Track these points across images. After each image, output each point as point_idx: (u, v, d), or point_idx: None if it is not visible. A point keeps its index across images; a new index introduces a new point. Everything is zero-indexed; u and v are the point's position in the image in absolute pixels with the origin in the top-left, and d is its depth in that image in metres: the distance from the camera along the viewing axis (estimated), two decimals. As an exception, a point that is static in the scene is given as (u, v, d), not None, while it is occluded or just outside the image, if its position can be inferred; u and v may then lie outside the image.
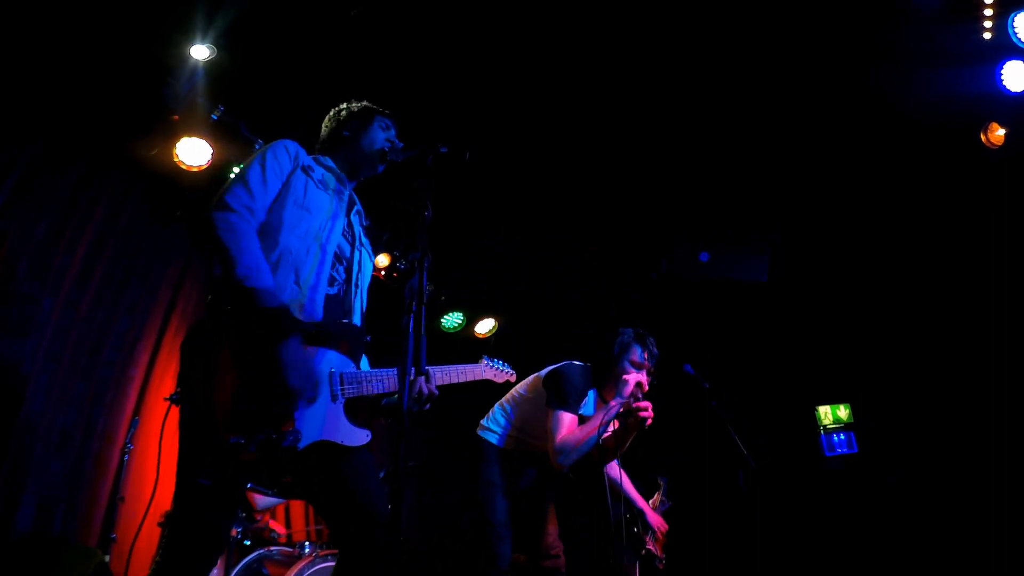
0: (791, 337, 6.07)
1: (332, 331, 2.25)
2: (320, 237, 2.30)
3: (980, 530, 4.91)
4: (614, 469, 4.07)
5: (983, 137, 4.68)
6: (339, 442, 2.17)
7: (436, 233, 2.26)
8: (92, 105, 4.39)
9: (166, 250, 4.87)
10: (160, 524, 3.74)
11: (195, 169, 4.43)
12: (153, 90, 4.38)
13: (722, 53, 4.52)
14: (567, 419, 3.32)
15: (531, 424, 3.56)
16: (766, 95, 4.75)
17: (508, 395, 3.73)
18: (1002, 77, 4.35)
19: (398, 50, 4.35)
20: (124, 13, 4.07)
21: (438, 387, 2.34)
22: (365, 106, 2.67)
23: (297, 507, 5.22)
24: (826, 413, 5.77)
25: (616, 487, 3.98)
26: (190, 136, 4.40)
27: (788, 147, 5.11)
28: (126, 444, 4.00)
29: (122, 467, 3.99)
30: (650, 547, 4.02)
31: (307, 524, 5.11)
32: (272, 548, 3.74)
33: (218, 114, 4.45)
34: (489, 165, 4.54)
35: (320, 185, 2.38)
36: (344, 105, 2.69)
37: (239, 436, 1.96)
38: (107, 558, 3.75)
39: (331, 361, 2.23)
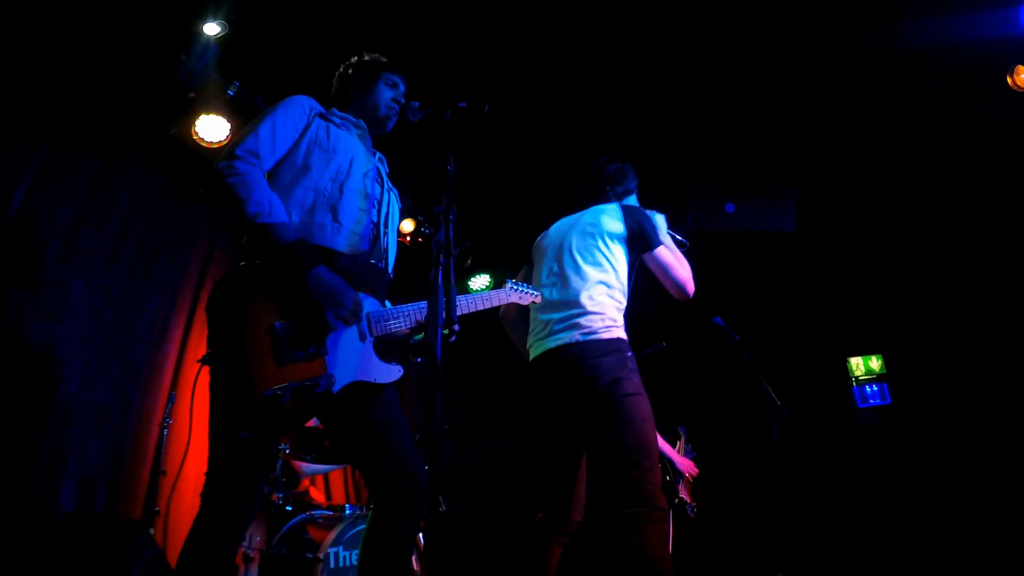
0: (821, 288, 6.00)
1: (356, 271, 2.26)
2: (352, 172, 2.31)
3: (1015, 478, 4.86)
4: None
5: (1010, 80, 4.58)
6: (372, 380, 2.19)
7: (458, 199, 2.24)
8: (109, 88, 4.41)
9: (192, 227, 4.91)
10: (201, 494, 3.80)
11: (215, 145, 4.45)
12: (168, 70, 4.40)
13: (739, 8, 4.43)
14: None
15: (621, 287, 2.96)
16: (786, 43, 4.66)
17: (596, 278, 2.87)
18: (1025, 18, 4.25)
19: (410, 14, 4.31)
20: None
21: (461, 316, 2.37)
22: (372, 62, 2.60)
23: (337, 476, 5.30)
24: (858, 364, 5.72)
25: None
26: (208, 113, 4.43)
27: (811, 96, 5.01)
28: (165, 419, 4.07)
29: (162, 442, 4.06)
30: (682, 495, 4.06)
31: (347, 491, 5.19)
32: (314, 512, 3.80)
33: (234, 90, 4.46)
34: (504, 127, 4.52)
35: (342, 127, 2.39)
36: (353, 60, 2.64)
37: (274, 387, 1.97)
38: (151, 531, 3.84)
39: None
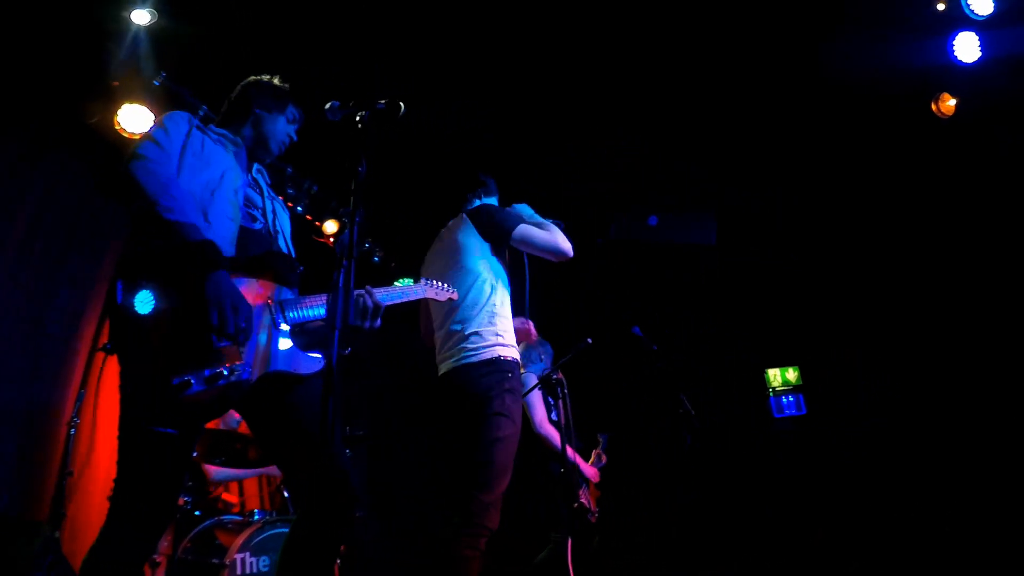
0: (740, 300, 6.15)
1: (263, 260, 2.23)
2: (223, 183, 2.28)
3: (927, 485, 5.06)
4: (547, 426, 4.15)
5: (934, 107, 4.75)
6: (292, 371, 2.13)
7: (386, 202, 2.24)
8: (29, 72, 4.24)
9: (110, 221, 4.74)
10: (109, 498, 3.67)
11: (137, 137, 4.32)
12: (93, 56, 4.26)
13: (670, 22, 4.52)
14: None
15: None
16: (716, 60, 4.77)
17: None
18: (954, 48, 4.41)
19: (337, 14, 4.27)
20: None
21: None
22: (280, 90, 2.58)
23: (250, 479, 5.17)
24: (775, 376, 5.87)
25: (550, 444, 4.07)
26: (131, 103, 4.30)
27: (736, 113, 5.14)
28: (72, 419, 3.92)
29: (69, 442, 3.91)
30: (583, 500, 4.12)
31: (261, 495, 5.07)
32: (223, 517, 3.71)
33: (160, 80, 4.34)
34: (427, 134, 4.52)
35: (217, 142, 2.37)
36: (263, 78, 2.59)
37: (184, 375, 1.89)
38: (57, 534, 3.69)
39: (267, 291, 2.19)
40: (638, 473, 5.32)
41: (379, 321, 2.31)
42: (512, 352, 2.91)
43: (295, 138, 2.60)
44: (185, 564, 3.45)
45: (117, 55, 4.27)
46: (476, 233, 3.00)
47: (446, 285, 2.76)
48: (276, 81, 2.59)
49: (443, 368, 2.91)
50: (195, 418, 2.11)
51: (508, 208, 3.17)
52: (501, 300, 2.96)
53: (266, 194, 2.48)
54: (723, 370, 5.90)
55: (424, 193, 4.92)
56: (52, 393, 4.23)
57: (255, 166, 2.53)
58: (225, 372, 1.94)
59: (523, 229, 3.01)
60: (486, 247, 3.00)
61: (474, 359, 2.81)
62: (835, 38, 4.62)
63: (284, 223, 2.52)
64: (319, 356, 2.21)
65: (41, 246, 4.28)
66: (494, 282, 2.96)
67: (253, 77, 2.60)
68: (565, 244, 3.03)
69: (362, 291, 2.29)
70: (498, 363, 2.82)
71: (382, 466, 5.82)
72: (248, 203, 2.37)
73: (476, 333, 2.85)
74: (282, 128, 2.54)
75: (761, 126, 5.25)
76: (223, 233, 2.21)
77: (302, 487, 2.18)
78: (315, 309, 2.23)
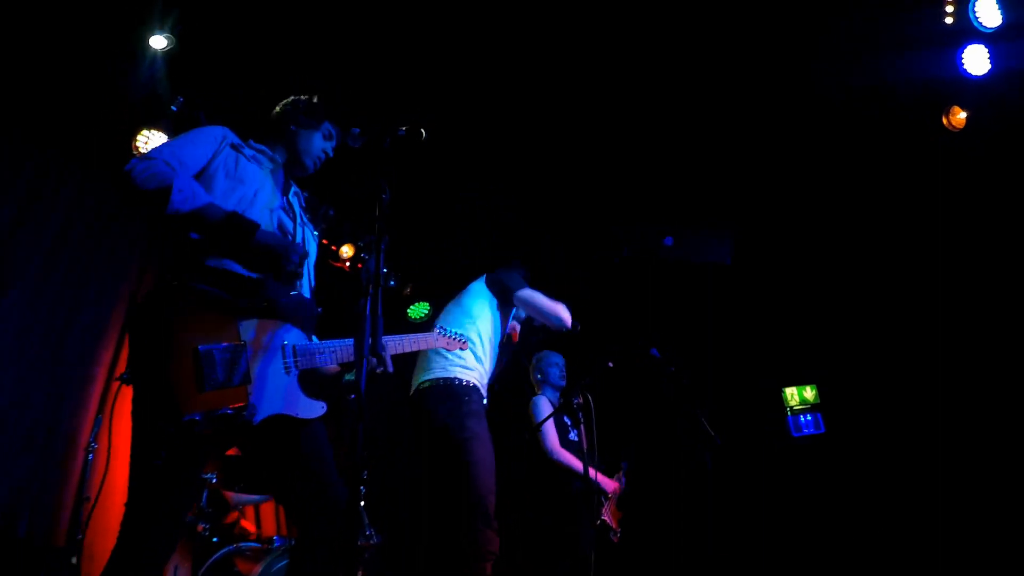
0: (757, 319, 6.13)
1: (283, 303, 2.23)
2: (256, 205, 2.30)
3: (944, 506, 5.01)
4: (559, 452, 4.16)
5: (945, 120, 4.73)
6: (294, 415, 2.15)
7: (402, 228, 2.27)
8: (51, 96, 4.31)
9: (129, 244, 4.79)
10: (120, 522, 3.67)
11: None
12: (112, 81, 4.33)
13: (680, 38, 4.54)
14: None
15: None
16: (726, 78, 4.78)
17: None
18: (963, 61, 4.41)
19: (355, 38, 4.32)
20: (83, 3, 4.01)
21: (392, 356, 2.42)
22: (317, 107, 2.61)
23: (268, 506, 5.16)
24: (792, 395, 5.83)
25: (567, 467, 4.06)
26: (149, 128, 4.35)
27: (749, 131, 5.15)
28: (90, 444, 3.92)
29: (87, 467, 3.91)
30: (605, 518, 4.10)
31: (278, 522, 5.05)
32: (241, 544, 3.70)
33: (177, 105, 4.40)
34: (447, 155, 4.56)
35: (252, 160, 2.38)
36: (300, 99, 2.62)
37: (193, 413, 1.92)
38: (74, 560, 3.69)
39: (283, 334, 2.21)
40: (658, 492, 5.28)
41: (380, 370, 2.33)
42: (472, 377, 3.11)
43: (331, 154, 2.63)
44: (205, 591, 3.43)
45: (136, 80, 4.34)
46: (486, 288, 3.31)
47: (458, 334, 2.86)
48: (313, 99, 2.62)
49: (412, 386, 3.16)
50: (200, 452, 2.13)
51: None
52: (477, 341, 3.19)
53: (298, 220, 2.48)
54: (741, 389, 5.87)
55: (439, 218, 4.96)
56: (71, 419, 4.25)
57: (292, 188, 2.54)
58: (229, 412, 1.98)
59: (528, 291, 3.30)
60: (493, 301, 3.28)
61: (437, 381, 3.09)
62: (844, 53, 4.63)
63: (311, 250, 2.52)
64: (323, 403, 2.26)
65: (64, 267, 4.32)
66: (480, 329, 3.22)
67: (292, 97, 2.62)
68: (567, 316, 3.31)
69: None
70: (454, 386, 3.06)
71: (396, 486, 5.79)
72: (280, 229, 2.38)
73: (439, 353, 3.11)
74: (317, 144, 2.57)
75: (773, 144, 5.25)
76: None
77: (302, 516, 2.19)
78: (325, 357, 2.27)
